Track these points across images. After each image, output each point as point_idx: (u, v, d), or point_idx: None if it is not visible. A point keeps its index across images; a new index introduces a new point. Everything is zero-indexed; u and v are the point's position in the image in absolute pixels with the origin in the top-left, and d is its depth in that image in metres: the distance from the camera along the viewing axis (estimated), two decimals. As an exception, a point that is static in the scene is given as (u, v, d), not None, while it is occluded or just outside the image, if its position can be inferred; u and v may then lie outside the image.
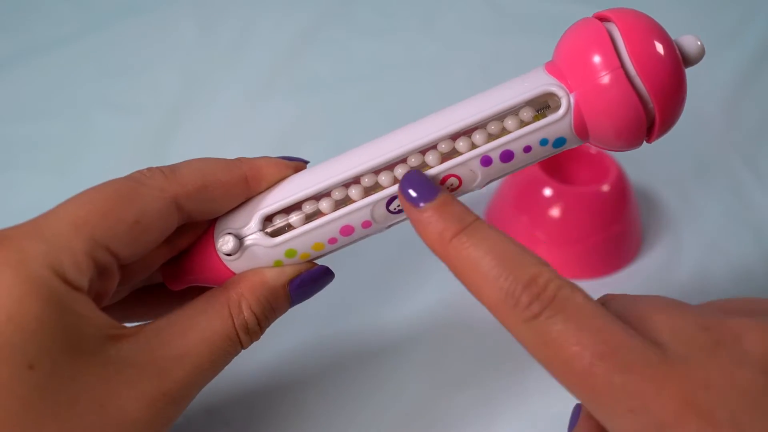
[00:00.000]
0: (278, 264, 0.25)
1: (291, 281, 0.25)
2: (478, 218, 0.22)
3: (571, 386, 0.19)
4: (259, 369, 0.33)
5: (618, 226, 0.38)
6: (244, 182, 0.25)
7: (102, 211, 0.22)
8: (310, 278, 0.25)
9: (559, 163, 0.40)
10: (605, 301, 0.22)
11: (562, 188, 0.37)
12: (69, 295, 0.20)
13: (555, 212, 0.37)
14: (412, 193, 0.23)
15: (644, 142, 0.23)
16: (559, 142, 0.23)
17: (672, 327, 0.20)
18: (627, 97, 0.22)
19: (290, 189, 0.25)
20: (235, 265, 0.25)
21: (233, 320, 0.24)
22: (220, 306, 0.24)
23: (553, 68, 0.23)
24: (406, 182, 0.23)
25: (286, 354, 0.34)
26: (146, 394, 0.21)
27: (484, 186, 0.24)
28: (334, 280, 0.26)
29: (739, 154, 0.47)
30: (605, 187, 0.37)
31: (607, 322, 0.19)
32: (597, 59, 0.22)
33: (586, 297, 0.20)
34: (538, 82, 0.23)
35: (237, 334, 0.24)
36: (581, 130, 0.23)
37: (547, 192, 0.37)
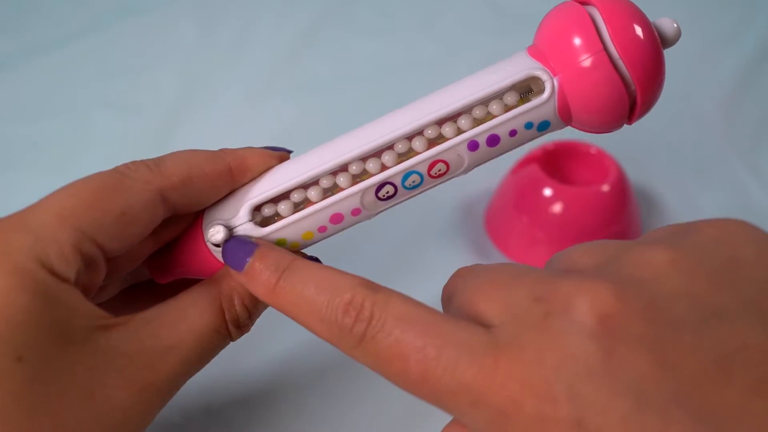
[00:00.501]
0: None
1: None
2: (295, 258, 0.22)
3: (416, 394, 0.19)
4: (260, 369, 0.33)
5: (618, 226, 0.38)
6: (229, 173, 0.24)
7: (88, 203, 0.22)
8: None
9: (559, 163, 0.40)
10: (460, 276, 0.22)
11: (562, 188, 0.37)
12: (56, 286, 0.20)
13: (555, 212, 0.37)
14: (235, 256, 0.23)
15: (625, 124, 0.24)
16: (544, 125, 0.24)
17: (505, 303, 0.19)
18: (610, 80, 0.22)
19: (278, 178, 0.25)
20: None
21: (224, 314, 0.24)
22: (212, 299, 0.24)
23: (535, 52, 0.23)
24: (227, 250, 0.23)
25: (286, 354, 0.34)
26: (135, 384, 0.21)
27: (469, 171, 0.25)
28: None
29: (739, 154, 0.47)
30: (605, 187, 0.37)
31: (430, 321, 0.19)
32: (580, 42, 0.22)
33: (404, 302, 0.20)
34: (522, 66, 0.23)
35: (227, 327, 0.24)
36: (565, 113, 0.23)
37: (547, 192, 0.37)
